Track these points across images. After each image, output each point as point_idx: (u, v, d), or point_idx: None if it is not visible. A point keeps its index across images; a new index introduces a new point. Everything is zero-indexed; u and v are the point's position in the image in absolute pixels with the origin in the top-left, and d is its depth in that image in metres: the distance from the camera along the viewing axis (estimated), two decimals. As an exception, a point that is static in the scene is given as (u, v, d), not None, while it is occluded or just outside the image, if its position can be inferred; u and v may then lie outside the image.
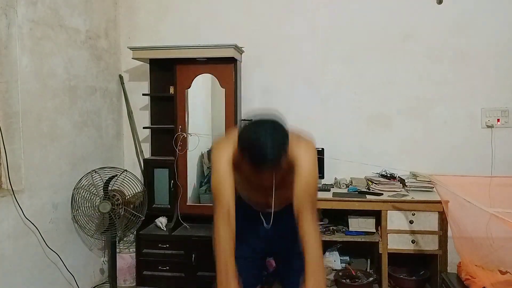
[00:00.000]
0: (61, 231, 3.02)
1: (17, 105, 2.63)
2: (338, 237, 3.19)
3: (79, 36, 3.22)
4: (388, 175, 3.40)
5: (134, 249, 3.42)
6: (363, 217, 3.15)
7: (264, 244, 2.03)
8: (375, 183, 3.29)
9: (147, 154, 3.79)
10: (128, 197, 3.21)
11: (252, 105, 3.63)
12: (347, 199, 3.10)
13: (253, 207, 1.99)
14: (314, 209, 1.68)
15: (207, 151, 3.73)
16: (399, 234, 3.01)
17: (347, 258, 3.44)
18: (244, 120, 1.61)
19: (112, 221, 3.08)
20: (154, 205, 3.50)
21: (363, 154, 3.55)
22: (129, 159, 3.89)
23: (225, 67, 3.32)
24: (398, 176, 3.39)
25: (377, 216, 3.11)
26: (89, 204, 3.12)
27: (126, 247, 3.47)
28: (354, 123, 3.59)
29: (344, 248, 3.43)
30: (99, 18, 3.49)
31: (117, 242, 3.34)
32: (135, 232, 3.37)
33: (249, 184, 1.84)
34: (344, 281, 3.17)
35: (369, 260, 3.45)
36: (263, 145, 1.51)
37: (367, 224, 3.14)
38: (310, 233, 1.65)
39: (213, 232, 1.71)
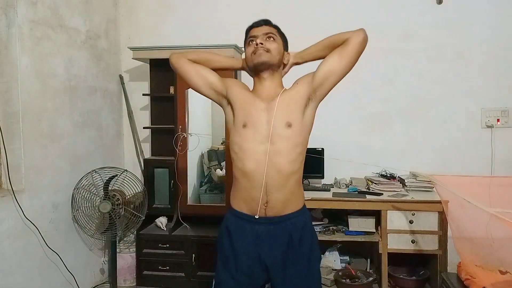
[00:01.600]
0: (61, 231, 3.03)
1: (17, 105, 2.63)
2: (338, 237, 3.19)
3: (79, 36, 3.22)
4: (388, 175, 3.40)
5: (134, 249, 3.42)
6: (363, 217, 3.16)
7: (258, 269, 1.80)
8: (375, 183, 3.29)
9: (147, 154, 3.79)
10: (128, 197, 3.21)
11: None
12: (347, 199, 3.09)
13: (245, 214, 1.80)
14: None
15: (207, 151, 3.74)
16: (399, 234, 3.01)
17: (347, 258, 3.44)
18: None
19: (112, 221, 3.08)
20: (154, 205, 3.51)
21: (363, 154, 3.55)
22: (129, 159, 3.89)
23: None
24: (398, 176, 3.40)
25: (377, 216, 3.11)
26: (89, 204, 3.12)
27: (126, 247, 3.47)
28: (354, 123, 3.59)
29: (344, 248, 3.44)
30: (99, 18, 3.49)
31: (117, 242, 3.35)
32: (135, 232, 3.37)
33: (245, 113, 1.81)
34: (344, 281, 3.17)
35: (369, 260, 3.45)
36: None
37: (367, 224, 3.15)
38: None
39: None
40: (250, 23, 1.95)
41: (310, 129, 1.87)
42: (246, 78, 3.59)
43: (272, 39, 1.85)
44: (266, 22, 1.91)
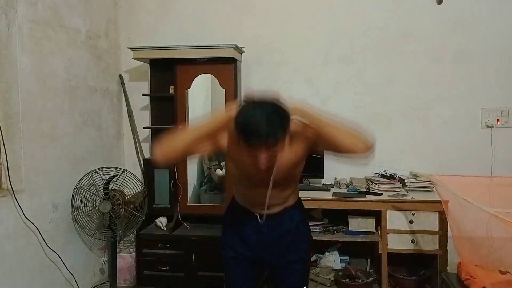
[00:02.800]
0: (61, 231, 3.03)
1: (17, 105, 2.63)
2: (338, 237, 3.19)
3: (79, 36, 3.22)
4: (388, 175, 3.40)
5: (134, 249, 3.42)
6: (363, 217, 3.15)
7: (257, 253, 1.97)
8: (375, 183, 3.29)
9: (147, 154, 3.79)
10: (128, 197, 3.21)
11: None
12: (347, 199, 3.10)
13: (249, 209, 1.94)
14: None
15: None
16: (399, 234, 3.02)
17: (347, 258, 3.44)
18: (245, 99, 1.60)
19: (112, 221, 3.08)
20: (154, 205, 3.50)
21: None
22: (129, 159, 3.89)
23: (225, 67, 3.32)
24: (398, 176, 3.39)
25: (377, 216, 3.11)
26: (89, 204, 3.12)
27: (126, 247, 3.47)
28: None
29: (344, 248, 3.44)
30: (99, 18, 3.49)
31: (117, 242, 3.35)
32: (135, 232, 3.37)
33: (245, 171, 1.80)
34: (344, 281, 3.17)
35: (369, 260, 3.45)
36: (258, 122, 1.48)
37: (367, 224, 3.14)
38: None
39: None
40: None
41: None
42: (246, 76, 3.62)
43: (275, 153, 1.61)
44: (267, 142, 1.52)
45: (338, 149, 1.69)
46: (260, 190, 1.79)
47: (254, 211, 1.91)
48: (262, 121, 1.47)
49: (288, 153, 1.70)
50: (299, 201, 2.06)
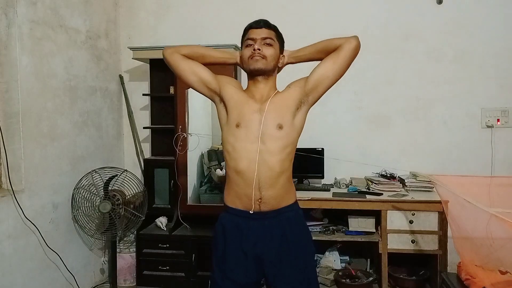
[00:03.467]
0: (61, 231, 3.03)
1: (17, 105, 2.63)
2: (338, 237, 3.19)
3: (79, 36, 3.23)
4: (388, 175, 3.40)
5: (134, 249, 3.42)
6: (363, 217, 3.15)
7: (253, 265, 1.83)
8: (375, 183, 3.29)
9: (147, 154, 3.79)
10: (128, 197, 3.21)
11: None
12: (347, 199, 3.09)
13: (239, 211, 1.83)
14: None
15: (207, 151, 3.73)
16: (399, 234, 3.01)
17: (347, 258, 3.44)
18: None
19: (112, 221, 3.09)
20: (154, 205, 3.51)
21: (363, 154, 3.55)
22: (129, 159, 3.89)
23: (225, 67, 3.28)
24: (398, 176, 3.39)
25: (377, 216, 3.11)
26: (89, 204, 3.12)
27: (126, 247, 3.47)
28: (354, 123, 3.59)
29: (344, 248, 3.44)
30: (99, 18, 3.49)
31: (117, 242, 3.35)
32: (135, 232, 3.37)
33: (237, 113, 1.86)
34: (344, 281, 3.17)
35: (369, 260, 3.45)
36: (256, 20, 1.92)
37: (367, 224, 3.15)
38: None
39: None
40: (249, 22, 1.95)
41: (300, 131, 1.93)
42: (246, 76, 3.61)
43: (269, 44, 1.89)
44: (266, 24, 1.91)
45: (332, 52, 1.90)
46: (250, 146, 1.80)
47: (245, 206, 1.81)
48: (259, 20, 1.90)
49: (282, 93, 1.93)
50: (297, 203, 1.94)
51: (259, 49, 1.85)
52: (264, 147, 1.80)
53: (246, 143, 1.82)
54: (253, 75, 1.91)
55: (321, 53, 1.94)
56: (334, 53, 1.88)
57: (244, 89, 1.98)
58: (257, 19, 1.94)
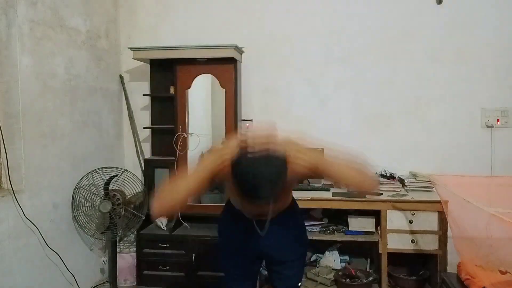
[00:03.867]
0: (62, 231, 3.03)
1: (17, 105, 2.63)
2: (338, 237, 3.19)
3: (79, 36, 3.23)
4: (388, 175, 3.40)
5: (135, 249, 3.42)
6: (363, 217, 3.16)
7: (255, 252, 2.01)
8: (375, 183, 3.29)
9: (147, 154, 3.79)
10: (129, 197, 3.21)
11: (252, 105, 3.64)
12: (347, 199, 3.09)
13: (245, 215, 1.93)
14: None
15: (207, 151, 3.72)
16: (399, 234, 3.01)
17: (347, 257, 3.44)
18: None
19: (113, 221, 3.09)
20: (154, 205, 3.50)
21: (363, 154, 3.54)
22: (129, 159, 3.89)
23: (225, 67, 3.32)
24: (398, 176, 3.39)
25: (377, 216, 3.11)
26: (90, 204, 3.12)
27: (126, 246, 3.48)
28: (354, 123, 3.59)
29: (344, 248, 3.44)
30: (99, 18, 3.49)
31: (117, 241, 3.35)
32: (135, 232, 3.37)
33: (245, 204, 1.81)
34: (344, 280, 3.17)
35: (368, 259, 3.45)
36: (255, 184, 1.46)
37: (367, 224, 3.15)
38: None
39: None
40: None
41: None
42: (246, 76, 3.62)
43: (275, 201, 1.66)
44: (264, 202, 1.57)
45: (344, 186, 1.73)
46: (259, 209, 1.72)
47: (250, 217, 1.89)
48: (259, 184, 1.46)
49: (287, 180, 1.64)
50: (293, 200, 2.09)
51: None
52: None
53: (252, 209, 1.82)
54: None
55: (353, 173, 1.68)
56: (346, 187, 1.77)
57: None
58: (252, 191, 1.50)
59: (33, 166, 2.75)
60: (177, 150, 3.36)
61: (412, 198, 3.05)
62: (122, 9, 3.83)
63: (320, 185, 3.44)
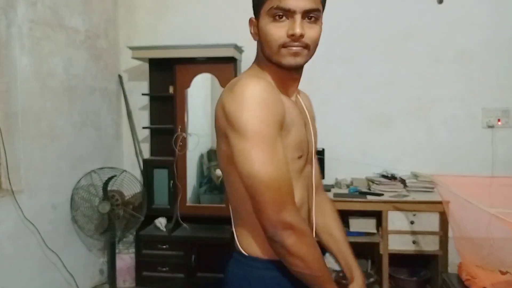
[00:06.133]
0: (61, 232, 3.02)
1: (17, 105, 2.62)
2: (338, 238, 3.18)
3: (78, 36, 3.21)
4: (389, 175, 3.39)
5: (134, 250, 3.41)
6: (364, 218, 3.15)
7: None
8: (376, 184, 3.28)
9: (146, 154, 3.78)
10: (128, 197, 3.20)
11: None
12: (347, 199, 3.09)
13: None
14: None
15: (207, 151, 3.73)
16: (400, 234, 3.01)
17: (348, 258, 3.43)
18: None
19: (112, 222, 3.07)
20: (153, 206, 3.49)
21: (364, 154, 3.54)
22: (128, 159, 3.87)
23: (225, 66, 3.31)
24: (399, 177, 3.38)
25: (378, 216, 3.10)
26: (89, 204, 3.11)
27: (125, 247, 3.46)
28: (355, 123, 3.58)
29: (345, 249, 3.42)
30: (98, 18, 3.48)
31: (116, 242, 3.34)
32: (134, 233, 3.36)
33: (298, 139, 1.19)
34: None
35: (370, 261, 3.44)
36: None
37: (368, 225, 3.14)
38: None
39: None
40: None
41: None
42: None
43: (314, 21, 1.16)
44: None
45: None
46: (308, 171, 1.29)
47: None
48: None
49: (304, 98, 1.46)
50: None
51: (302, 35, 1.12)
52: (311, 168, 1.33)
53: (305, 183, 1.28)
54: (285, 69, 1.19)
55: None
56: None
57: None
58: None
59: (32, 166, 2.73)
60: (176, 150, 3.34)
61: (413, 198, 3.04)
62: (121, 8, 3.82)
63: (321, 185, 3.43)
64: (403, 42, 3.50)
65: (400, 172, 3.40)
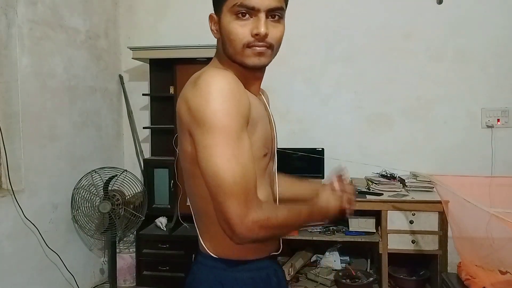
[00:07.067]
0: (61, 231, 3.02)
1: (17, 105, 2.63)
2: (338, 237, 3.18)
3: (78, 36, 3.22)
4: (388, 175, 3.39)
5: (134, 249, 3.42)
6: (363, 217, 3.15)
7: None
8: (375, 183, 3.28)
9: (147, 154, 3.78)
10: (128, 197, 3.21)
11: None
12: (347, 199, 3.08)
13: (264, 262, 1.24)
14: None
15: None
16: (399, 234, 3.01)
17: (347, 258, 3.43)
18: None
19: (112, 221, 3.08)
20: (154, 205, 3.49)
21: (363, 154, 3.54)
22: (129, 159, 3.88)
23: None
24: (398, 176, 3.39)
25: (377, 216, 3.10)
26: (89, 204, 3.12)
27: (126, 247, 3.47)
28: (354, 123, 3.58)
29: (344, 248, 3.43)
30: (99, 18, 3.49)
31: (117, 242, 3.34)
32: (135, 232, 3.37)
33: (266, 127, 1.22)
34: (344, 281, 3.16)
35: (369, 260, 3.45)
36: None
37: (367, 224, 3.14)
38: None
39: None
40: None
41: None
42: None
43: (278, 20, 1.14)
44: None
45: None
46: (271, 167, 1.28)
47: (273, 246, 1.26)
48: None
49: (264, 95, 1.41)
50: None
51: (266, 35, 1.10)
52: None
53: (269, 182, 1.27)
54: (248, 69, 1.18)
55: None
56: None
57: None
58: None
59: (32, 166, 2.74)
60: (177, 150, 3.35)
61: (412, 198, 3.04)
62: (122, 8, 3.82)
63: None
64: (402, 42, 3.50)
65: (399, 172, 3.40)
